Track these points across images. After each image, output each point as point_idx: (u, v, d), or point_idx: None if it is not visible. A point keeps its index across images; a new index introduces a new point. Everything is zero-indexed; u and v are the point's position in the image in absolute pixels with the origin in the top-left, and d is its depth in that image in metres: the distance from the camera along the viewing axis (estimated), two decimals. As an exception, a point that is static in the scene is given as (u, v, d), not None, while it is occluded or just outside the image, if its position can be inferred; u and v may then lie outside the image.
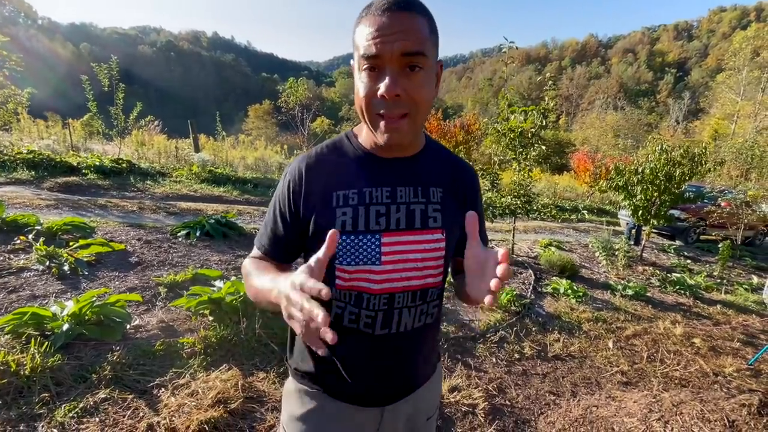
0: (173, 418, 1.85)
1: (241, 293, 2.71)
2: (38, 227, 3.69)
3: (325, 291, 0.50)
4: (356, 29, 0.68)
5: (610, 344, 3.26)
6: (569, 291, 4.23)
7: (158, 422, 1.82)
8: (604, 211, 13.27)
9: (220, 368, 2.25)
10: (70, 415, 1.78)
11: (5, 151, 7.41)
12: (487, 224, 7.00)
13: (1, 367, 1.92)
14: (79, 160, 7.74)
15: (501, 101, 5.07)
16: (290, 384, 0.90)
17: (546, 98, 4.98)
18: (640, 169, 5.92)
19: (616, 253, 5.77)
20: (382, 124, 0.69)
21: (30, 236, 3.50)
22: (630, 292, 4.50)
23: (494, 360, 2.82)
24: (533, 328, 3.35)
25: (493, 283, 0.59)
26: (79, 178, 6.81)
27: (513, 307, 3.66)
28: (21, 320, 2.20)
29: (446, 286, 0.93)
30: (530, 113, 4.75)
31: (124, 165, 7.99)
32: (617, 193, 6.49)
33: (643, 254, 6.53)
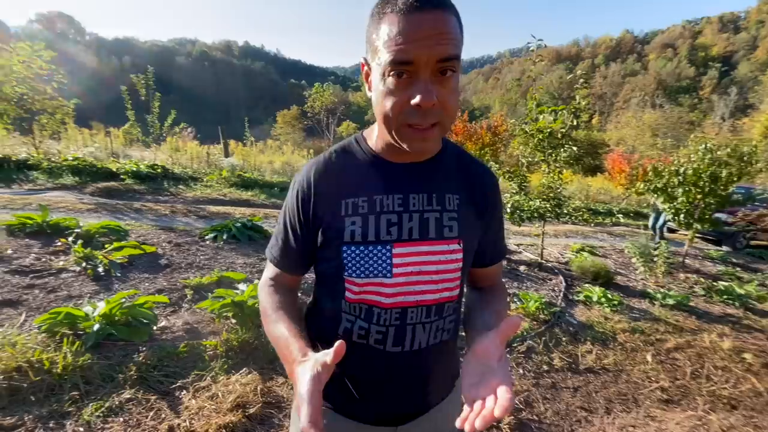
0: (192, 421, 1.87)
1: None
2: (77, 230, 3.89)
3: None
4: (378, 27, 0.60)
5: (649, 357, 3.04)
6: (603, 299, 4.00)
7: (178, 425, 1.84)
8: (641, 215, 12.59)
9: (241, 371, 2.26)
10: (97, 414, 1.83)
11: (53, 159, 7.93)
12: (514, 228, 6.81)
13: (36, 365, 2.00)
14: (118, 165, 8.16)
15: (529, 101, 4.91)
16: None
17: (577, 97, 4.77)
18: (681, 170, 5.55)
19: (655, 259, 5.43)
20: (410, 133, 0.64)
21: (70, 239, 3.69)
22: (671, 301, 4.20)
23: (521, 371, 2.69)
24: (564, 338, 3.18)
25: (477, 423, 0.52)
26: (118, 183, 7.17)
27: (542, 315, 3.50)
28: (56, 319, 2.30)
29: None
30: (560, 113, 4.56)
31: (159, 170, 8.35)
32: (656, 195, 6.12)
33: (686, 260, 6.11)
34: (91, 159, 8.47)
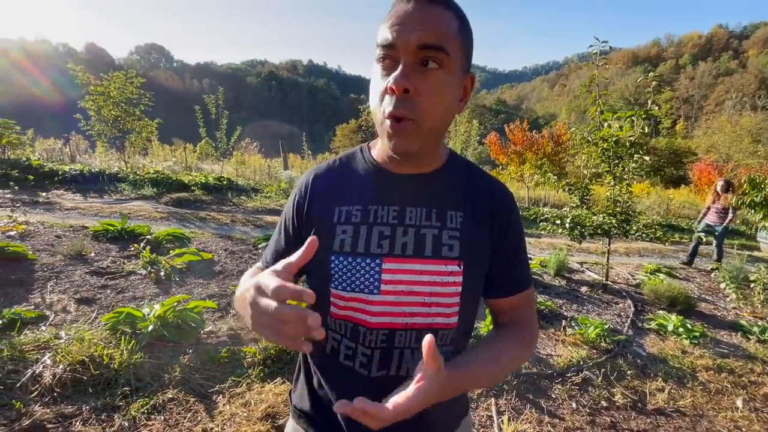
0: (225, 427, 1.91)
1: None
2: (148, 237, 4.30)
3: (307, 295, 0.45)
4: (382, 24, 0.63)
5: (739, 403, 2.56)
6: (681, 329, 3.48)
7: (211, 429, 1.90)
8: (737, 233, 10.98)
9: (275, 381, 2.29)
10: (142, 410, 1.95)
11: (138, 172, 8.97)
12: (575, 245, 6.25)
13: (98, 360, 2.20)
14: (190, 178, 9.00)
15: (591, 108, 4.55)
16: (290, 423, 0.83)
17: (649, 102, 4.31)
18: (785, 181, 4.73)
19: (752, 284, 4.64)
20: (388, 127, 0.60)
21: (141, 244, 4.08)
22: (771, 336, 3.54)
23: (574, 405, 2.41)
24: (628, 371, 2.80)
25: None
26: (188, 194, 7.88)
27: (603, 344, 3.13)
28: (118, 318, 2.53)
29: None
30: (626, 120, 4.13)
31: (224, 182, 9.05)
32: (753, 211, 5.27)
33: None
34: (168, 172, 9.45)
